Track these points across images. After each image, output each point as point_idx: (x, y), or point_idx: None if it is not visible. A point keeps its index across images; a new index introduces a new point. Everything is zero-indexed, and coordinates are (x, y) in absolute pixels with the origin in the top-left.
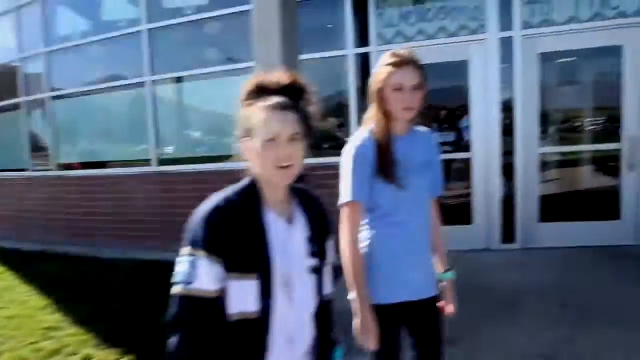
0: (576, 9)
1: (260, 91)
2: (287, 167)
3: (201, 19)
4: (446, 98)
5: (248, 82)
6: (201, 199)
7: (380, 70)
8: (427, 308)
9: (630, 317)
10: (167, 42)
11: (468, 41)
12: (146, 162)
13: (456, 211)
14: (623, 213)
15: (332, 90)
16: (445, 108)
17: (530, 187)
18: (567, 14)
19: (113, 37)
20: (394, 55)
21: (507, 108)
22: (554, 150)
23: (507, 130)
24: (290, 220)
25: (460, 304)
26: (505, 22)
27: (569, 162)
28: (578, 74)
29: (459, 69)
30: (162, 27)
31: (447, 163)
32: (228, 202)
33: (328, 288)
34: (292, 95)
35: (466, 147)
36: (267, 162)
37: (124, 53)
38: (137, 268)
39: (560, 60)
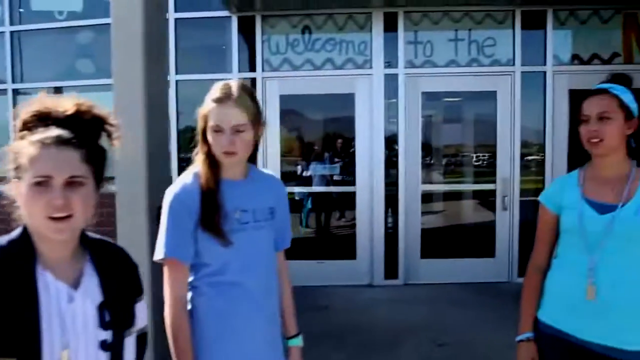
0: (455, 54)
1: (43, 119)
2: (62, 218)
3: (72, 27)
4: (333, 130)
5: (26, 107)
6: None
7: (204, 104)
8: None
9: (499, 356)
10: (33, 47)
11: (354, 75)
12: None
13: (340, 246)
14: (497, 250)
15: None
16: (330, 141)
17: (412, 222)
18: (447, 57)
19: None
20: (219, 88)
21: (392, 143)
22: (435, 188)
23: (392, 165)
24: (75, 284)
25: (338, 342)
26: (391, 60)
27: (450, 198)
28: (459, 113)
29: (346, 101)
30: (27, 30)
31: (332, 196)
32: None
33: None
34: (82, 127)
35: (351, 181)
36: (36, 210)
37: None
38: None
39: (443, 100)
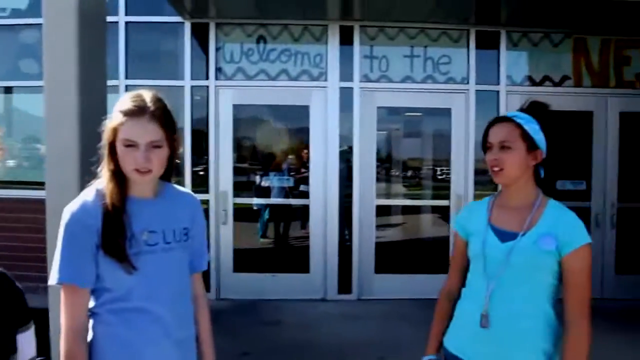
0: (411, 70)
1: None
2: None
3: (17, 25)
4: (287, 142)
5: None
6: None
7: (114, 116)
8: None
9: None
10: None
11: (309, 86)
12: None
13: (294, 259)
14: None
15: None
16: (285, 152)
17: (367, 237)
18: (403, 73)
19: None
20: (131, 98)
21: (347, 157)
22: (390, 202)
23: (347, 179)
24: None
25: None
26: (346, 73)
27: (406, 212)
28: (414, 129)
29: (301, 113)
30: None
31: (286, 209)
32: None
33: None
34: None
35: (304, 194)
36: None
37: None
38: None
39: (398, 115)
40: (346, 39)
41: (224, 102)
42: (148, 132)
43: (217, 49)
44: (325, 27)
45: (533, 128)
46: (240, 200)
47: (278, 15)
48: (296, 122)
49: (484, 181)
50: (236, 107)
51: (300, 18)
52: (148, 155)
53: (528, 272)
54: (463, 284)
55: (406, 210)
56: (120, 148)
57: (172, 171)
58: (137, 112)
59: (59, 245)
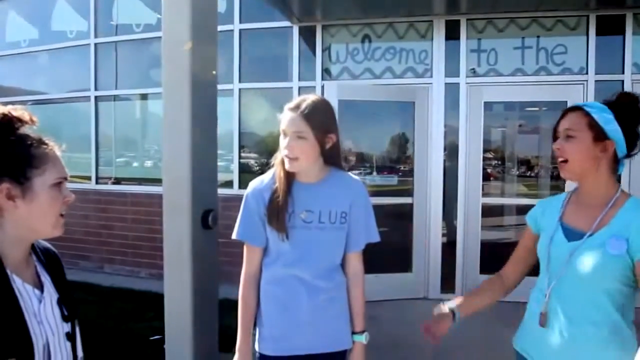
0: (522, 62)
1: None
2: None
3: (147, 38)
4: (391, 140)
5: None
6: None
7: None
8: None
9: None
10: (113, 58)
11: (414, 84)
12: (86, 179)
13: (397, 258)
14: None
15: (275, 123)
16: (388, 150)
17: (471, 236)
18: (512, 66)
19: (59, 47)
20: (296, 98)
21: (452, 154)
22: (495, 201)
23: (451, 176)
24: (36, 285)
25: (377, 356)
26: (452, 68)
27: (514, 211)
28: (526, 124)
29: (405, 110)
30: (108, 42)
31: (389, 208)
32: None
33: (80, 351)
34: None
35: (408, 192)
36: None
37: (70, 65)
38: None
39: (507, 110)
40: (452, 34)
41: (329, 98)
42: (295, 124)
43: (324, 50)
44: (431, 23)
45: (604, 117)
46: None
47: (383, 13)
48: (400, 119)
49: None
50: (341, 103)
51: (405, 15)
52: (292, 144)
53: (590, 275)
54: (518, 278)
55: (516, 209)
56: (280, 137)
57: (339, 159)
58: (293, 108)
59: (241, 209)
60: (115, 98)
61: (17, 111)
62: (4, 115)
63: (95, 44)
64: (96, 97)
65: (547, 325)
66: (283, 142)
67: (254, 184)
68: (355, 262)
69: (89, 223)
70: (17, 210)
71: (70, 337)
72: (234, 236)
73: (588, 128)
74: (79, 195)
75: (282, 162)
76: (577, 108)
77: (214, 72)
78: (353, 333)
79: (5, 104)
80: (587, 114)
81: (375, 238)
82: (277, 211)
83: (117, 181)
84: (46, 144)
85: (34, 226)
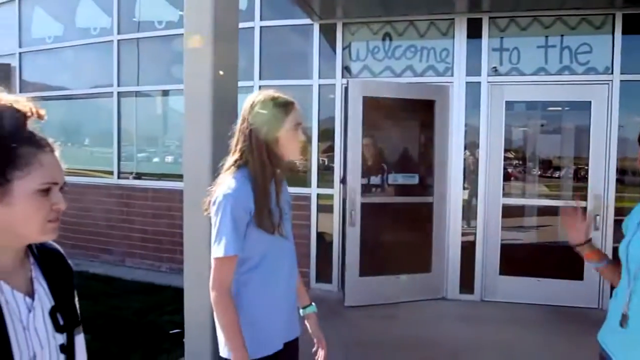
0: (545, 61)
1: None
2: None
3: (169, 35)
4: (412, 138)
5: None
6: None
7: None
8: (292, 349)
9: None
10: (136, 54)
11: (434, 82)
12: (108, 174)
13: (416, 258)
14: (586, 272)
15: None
16: (408, 149)
17: (491, 236)
18: (535, 65)
19: (83, 44)
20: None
21: (472, 153)
22: (516, 201)
23: (471, 176)
24: (28, 291)
25: (395, 356)
26: (473, 67)
27: (536, 212)
28: (548, 123)
29: (426, 108)
30: (131, 39)
31: (409, 207)
32: None
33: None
34: None
35: (428, 191)
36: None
37: (93, 62)
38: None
39: (529, 109)
40: (474, 32)
41: (353, 96)
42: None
43: (344, 48)
44: (452, 21)
45: None
46: (365, 200)
47: (404, 11)
48: (422, 118)
49: (628, 181)
50: (365, 99)
51: (426, 13)
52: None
53: None
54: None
55: (537, 210)
56: (296, 132)
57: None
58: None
59: (225, 224)
60: (137, 94)
61: (18, 103)
62: None
63: (118, 41)
64: (119, 93)
65: (626, 326)
66: (301, 136)
67: (234, 193)
68: None
69: (110, 217)
70: None
71: (66, 349)
72: (228, 253)
73: None
74: (102, 189)
75: (263, 163)
76: None
77: (235, 70)
78: (306, 307)
79: (30, 99)
80: None
81: None
82: (270, 211)
83: (138, 176)
84: (41, 145)
85: (19, 232)
